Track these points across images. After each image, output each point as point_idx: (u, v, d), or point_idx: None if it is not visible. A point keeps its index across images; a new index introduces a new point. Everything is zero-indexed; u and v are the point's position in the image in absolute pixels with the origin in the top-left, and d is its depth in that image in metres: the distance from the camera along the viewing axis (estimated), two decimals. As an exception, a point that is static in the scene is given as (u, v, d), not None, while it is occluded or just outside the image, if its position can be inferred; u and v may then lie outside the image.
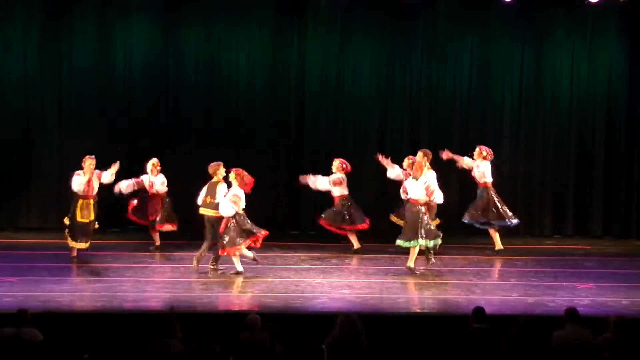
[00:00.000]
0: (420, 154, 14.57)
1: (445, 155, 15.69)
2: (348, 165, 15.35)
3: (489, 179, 15.56)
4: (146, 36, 17.13)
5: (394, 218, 15.70)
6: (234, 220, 13.43)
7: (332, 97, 17.43)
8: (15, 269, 13.57)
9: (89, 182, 14.16)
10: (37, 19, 16.89)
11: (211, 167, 13.82)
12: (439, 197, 14.37)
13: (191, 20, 17.15)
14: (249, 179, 13.57)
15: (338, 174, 15.28)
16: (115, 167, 14.45)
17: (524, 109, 17.64)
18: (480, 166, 15.56)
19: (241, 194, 13.49)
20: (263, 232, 13.61)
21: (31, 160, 17.07)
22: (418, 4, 17.14)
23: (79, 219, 14.22)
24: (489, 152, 15.65)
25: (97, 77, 17.04)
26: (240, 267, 13.54)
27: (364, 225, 15.41)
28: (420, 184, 13.89)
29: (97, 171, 14.31)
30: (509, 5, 17.07)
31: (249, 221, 13.56)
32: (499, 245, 15.58)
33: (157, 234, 15.34)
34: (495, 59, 17.55)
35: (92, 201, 14.24)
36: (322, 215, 15.48)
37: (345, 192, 15.31)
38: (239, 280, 13.28)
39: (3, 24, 16.91)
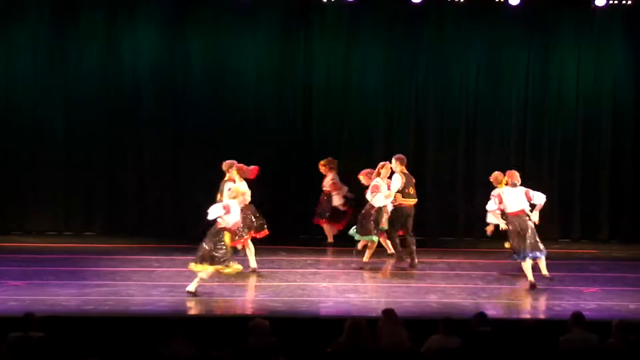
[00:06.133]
0: (393, 160, 14.45)
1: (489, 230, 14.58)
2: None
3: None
4: (153, 40, 17.10)
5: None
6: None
7: (339, 99, 17.43)
8: (22, 272, 13.56)
9: None
10: (45, 24, 16.83)
11: (224, 165, 14.02)
12: (378, 201, 14.12)
13: (198, 25, 17.14)
14: (249, 168, 13.88)
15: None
16: None
17: (531, 111, 17.62)
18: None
19: (243, 187, 13.50)
20: (245, 237, 13.66)
21: (39, 164, 17.05)
22: (425, 6, 17.12)
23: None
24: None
25: (105, 82, 17.01)
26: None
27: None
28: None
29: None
30: (516, 8, 17.03)
31: (252, 219, 13.81)
32: None
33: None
34: (502, 62, 17.53)
35: None
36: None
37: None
38: (249, 283, 13.31)
39: (12, 28, 16.86)
